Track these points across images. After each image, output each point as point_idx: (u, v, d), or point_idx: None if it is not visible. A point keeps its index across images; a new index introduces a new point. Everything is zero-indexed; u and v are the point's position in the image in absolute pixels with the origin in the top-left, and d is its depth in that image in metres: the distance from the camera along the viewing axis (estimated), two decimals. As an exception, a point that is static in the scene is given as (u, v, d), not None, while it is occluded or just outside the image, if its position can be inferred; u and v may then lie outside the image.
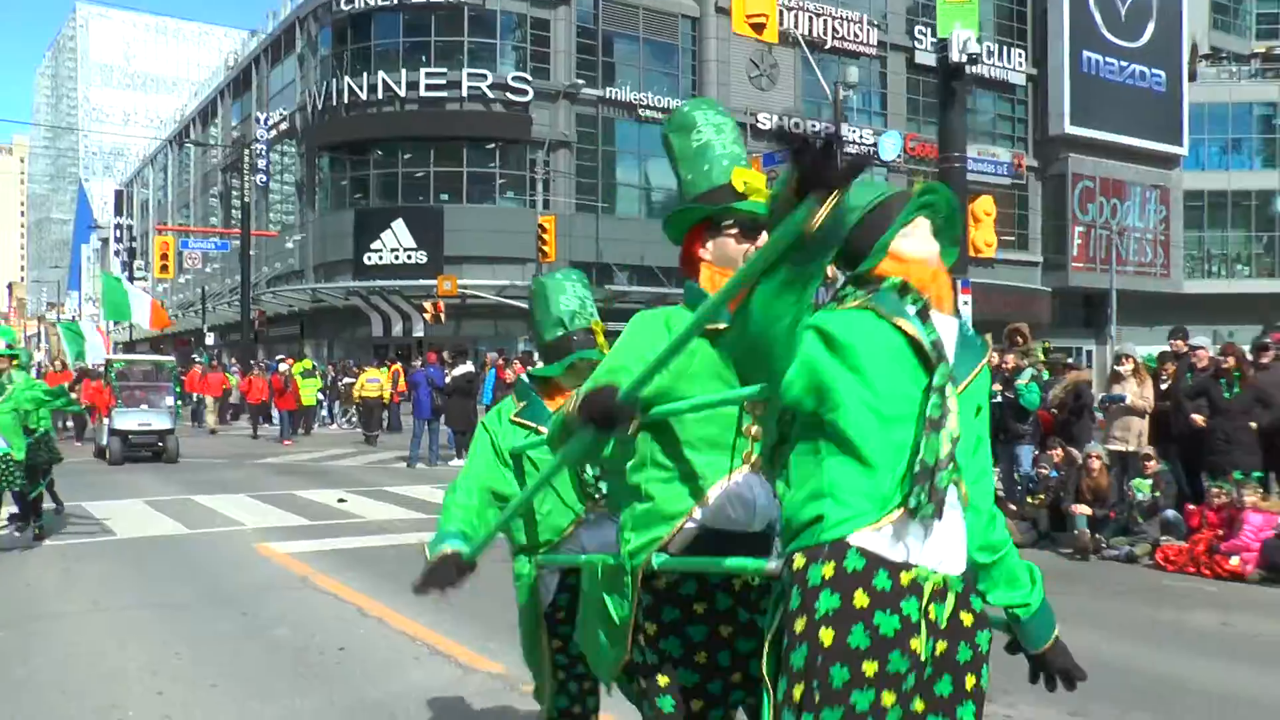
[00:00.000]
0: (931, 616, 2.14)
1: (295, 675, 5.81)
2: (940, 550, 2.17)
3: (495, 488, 3.22)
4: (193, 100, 61.19)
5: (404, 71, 36.04)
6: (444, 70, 35.82)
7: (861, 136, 39.74)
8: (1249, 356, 10.00)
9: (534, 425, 3.21)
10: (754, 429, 2.54)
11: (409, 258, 35.88)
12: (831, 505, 2.13)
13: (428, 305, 32.26)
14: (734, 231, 2.58)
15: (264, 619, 7.13)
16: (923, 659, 2.13)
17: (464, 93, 35.66)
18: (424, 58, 36.40)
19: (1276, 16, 57.52)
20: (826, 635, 2.05)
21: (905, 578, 2.11)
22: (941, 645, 2.16)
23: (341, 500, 13.12)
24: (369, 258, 36.42)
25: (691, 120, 2.69)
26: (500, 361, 19.10)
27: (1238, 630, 7.10)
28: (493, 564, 3.74)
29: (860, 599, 2.07)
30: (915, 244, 2.32)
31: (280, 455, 20.51)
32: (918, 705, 2.14)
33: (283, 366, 25.42)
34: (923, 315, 2.24)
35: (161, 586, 8.35)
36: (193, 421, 28.07)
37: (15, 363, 9.79)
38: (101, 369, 21.08)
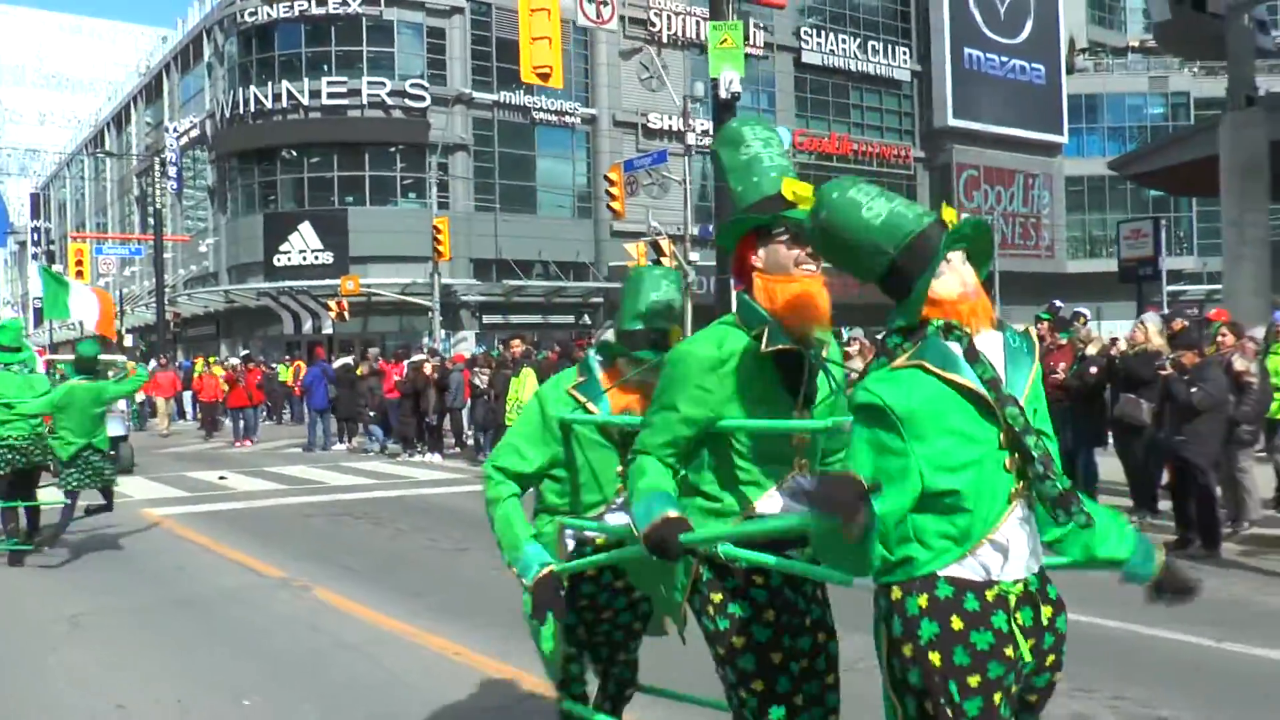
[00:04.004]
0: (1020, 621, 2.31)
1: (141, 577, 7.87)
2: (1016, 561, 2.33)
3: (525, 469, 3.29)
4: (106, 105, 62.00)
5: (307, 80, 37.64)
6: (345, 79, 37.48)
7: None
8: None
9: (585, 401, 3.27)
10: (798, 438, 2.77)
11: (316, 258, 37.52)
12: (918, 548, 2.30)
13: (332, 304, 33.95)
14: (785, 238, 2.69)
15: (139, 553, 9.16)
16: (1019, 661, 2.31)
17: (364, 100, 37.38)
18: (326, 66, 38.01)
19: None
20: (935, 658, 2.25)
21: (990, 595, 2.29)
22: (1031, 641, 2.33)
23: (222, 478, 15.05)
24: (278, 259, 38.00)
25: (740, 135, 2.82)
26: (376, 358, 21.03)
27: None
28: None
29: (955, 623, 2.26)
30: (949, 282, 2.34)
31: (187, 445, 22.22)
32: (1014, 689, 2.34)
33: (201, 366, 25.76)
34: (970, 354, 2.31)
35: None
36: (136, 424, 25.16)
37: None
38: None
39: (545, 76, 13.72)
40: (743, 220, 2.74)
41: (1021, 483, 2.31)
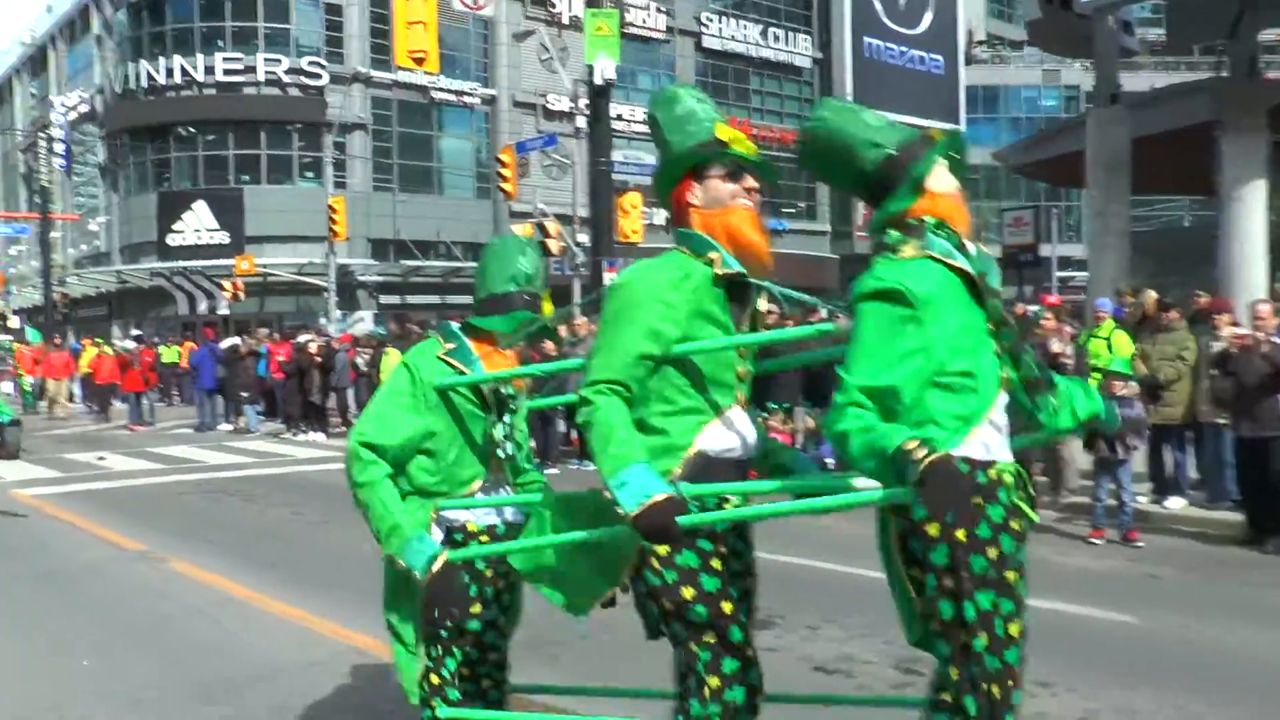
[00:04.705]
0: (1010, 500, 2.47)
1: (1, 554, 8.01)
2: (1006, 445, 2.54)
3: (394, 440, 3.09)
4: (-11, 76, 60.00)
5: (201, 56, 36.99)
6: (240, 55, 36.94)
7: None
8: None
9: (461, 366, 3.16)
10: (742, 369, 2.77)
11: (211, 238, 37.00)
12: (935, 430, 2.39)
13: (227, 284, 33.55)
14: (721, 174, 2.75)
15: (2, 532, 9.24)
16: (1022, 534, 2.47)
17: (260, 77, 36.88)
18: (220, 42, 37.42)
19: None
20: (960, 534, 2.37)
21: (994, 473, 2.45)
22: (1018, 522, 2.48)
23: (101, 458, 15.00)
24: (172, 239, 37.38)
25: (676, 94, 2.90)
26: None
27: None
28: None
29: (975, 499, 2.40)
30: (945, 179, 2.57)
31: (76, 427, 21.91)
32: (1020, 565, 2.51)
33: (93, 348, 25.13)
34: (961, 249, 2.51)
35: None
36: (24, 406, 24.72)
37: None
38: None
39: (420, 61, 13.98)
40: (680, 159, 2.77)
41: (1005, 369, 2.53)
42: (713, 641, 2.60)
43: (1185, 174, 21.61)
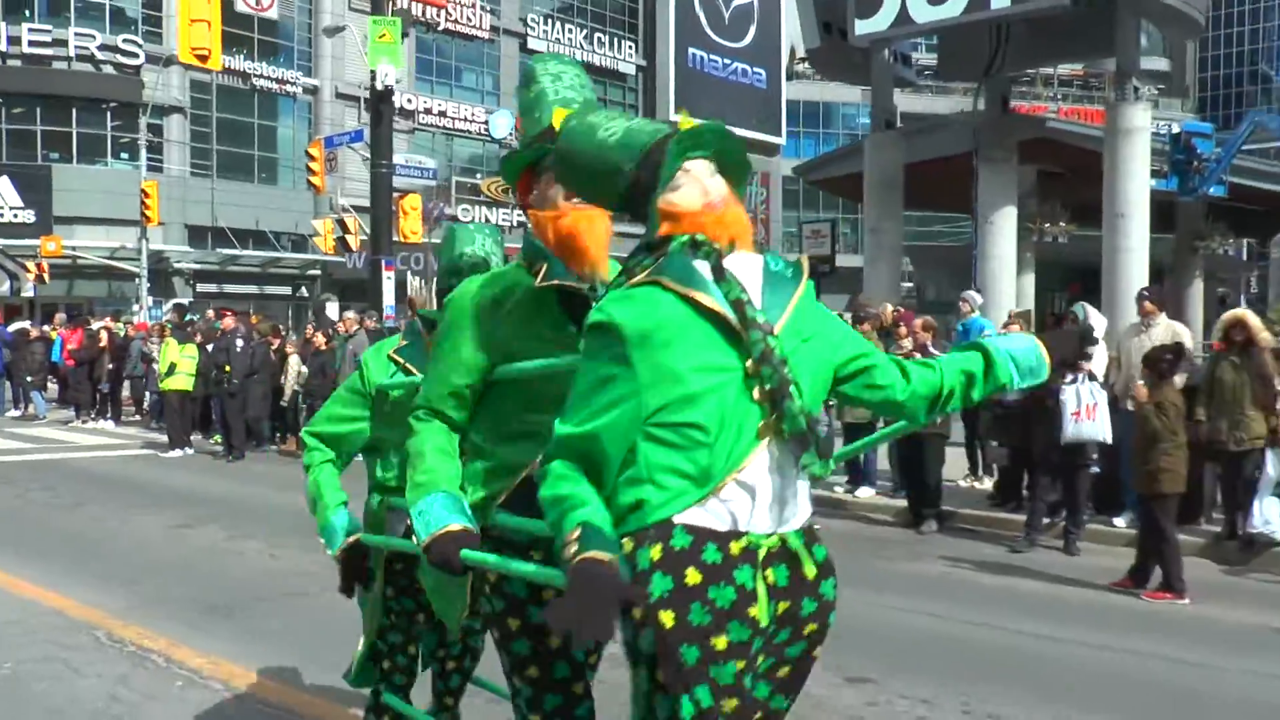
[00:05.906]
0: (770, 580, 2.08)
1: None
2: (766, 509, 2.07)
3: (339, 430, 3.26)
4: None
5: (5, 25, 35.83)
6: (49, 28, 35.92)
7: (473, 114, 42.93)
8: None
9: (406, 364, 3.19)
10: None
11: (15, 216, 35.86)
12: (651, 490, 2.04)
13: (30, 265, 32.61)
14: (550, 174, 2.48)
15: None
16: (764, 624, 2.06)
17: (72, 52, 35.92)
18: (28, 11, 36.30)
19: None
20: (666, 618, 1.99)
21: (736, 547, 2.04)
22: (784, 605, 2.10)
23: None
24: (-31, 215, 36.10)
25: (531, 73, 2.66)
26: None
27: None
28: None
29: (692, 576, 1.99)
30: (690, 193, 2.16)
31: None
32: (760, 660, 2.13)
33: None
34: (717, 272, 2.10)
35: None
36: None
37: None
38: None
39: (204, 58, 14.35)
40: (512, 157, 2.60)
41: (774, 416, 2.06)
42: (535, 676, 2.47)
43: (954, 197, 23.57)
